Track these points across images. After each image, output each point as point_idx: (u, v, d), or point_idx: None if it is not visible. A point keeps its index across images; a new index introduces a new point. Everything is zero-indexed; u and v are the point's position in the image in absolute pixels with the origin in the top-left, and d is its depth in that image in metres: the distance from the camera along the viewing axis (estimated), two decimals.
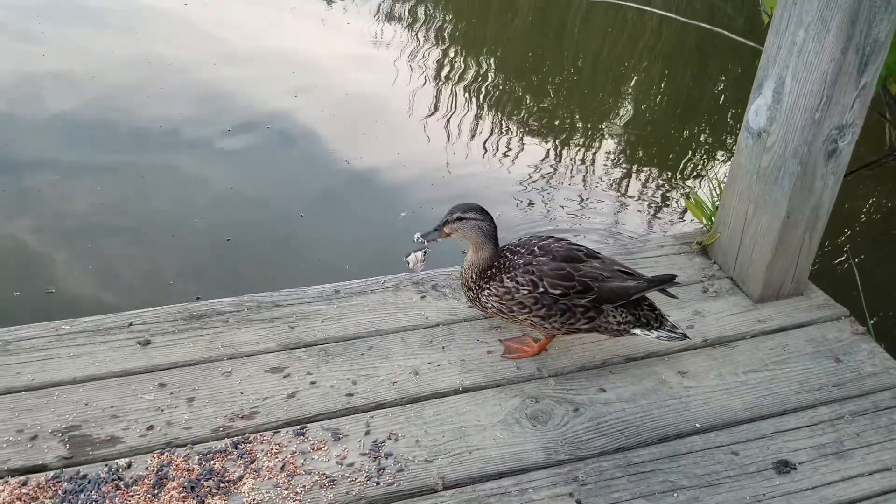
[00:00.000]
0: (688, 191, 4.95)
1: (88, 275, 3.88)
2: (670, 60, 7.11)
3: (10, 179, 4.50)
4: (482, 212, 2.30)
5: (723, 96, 6.60)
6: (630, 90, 6.58)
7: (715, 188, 3.25)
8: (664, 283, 2.34)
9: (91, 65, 5.80)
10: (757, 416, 2.32)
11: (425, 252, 2.44)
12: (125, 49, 6.12)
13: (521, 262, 2.29)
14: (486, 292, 2.33)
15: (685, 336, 2.41)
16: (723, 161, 5.48)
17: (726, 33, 4.32)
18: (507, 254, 2.34)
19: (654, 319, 2.38)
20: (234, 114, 5.34)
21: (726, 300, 2.79)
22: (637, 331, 2.35)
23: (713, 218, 3.04)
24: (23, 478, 1.99)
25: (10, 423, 2.15)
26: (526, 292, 2.26)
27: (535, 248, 2.32)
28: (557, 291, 2.24)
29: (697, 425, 2.27)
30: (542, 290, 2.24)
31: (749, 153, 2.67)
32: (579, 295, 2.25)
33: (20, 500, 1.92)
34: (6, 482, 1.97)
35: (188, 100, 5.48)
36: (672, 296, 2.50)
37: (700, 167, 5.44)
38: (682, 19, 4.38)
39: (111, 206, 4.36)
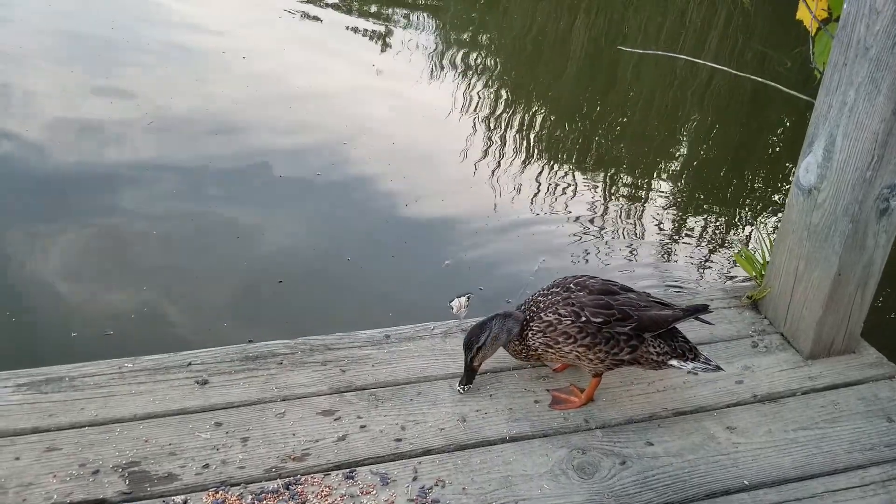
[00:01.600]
0: (738, 244, 4.93)
1: (144, 317, 3.99)
2: (721, 111, 7.13)
3: (69, 220, 4.68)
4: (483, 326, 2.44)
5: (775, 148, 6.59)
6: (681, 140, 6.61)
7: (765, 241, 3.25)
8: (699, 311, 2.41)
9: (142, 109, 6.03)
10: (807, 474, 2.29)
11: (468, 297, 2.52)
12: (178, 92, 6.35)
13: (559, 298, 2.40)
14: (528, 334, 2.42)
15: (719, 368, 2.44)
16: (774, 213, 5.45)
17: (777, 86, 4.34)
18: (539, 297, 2.47)
19: (688, 351, 2.42)
20: (284, 160, 5.49)
21: (776, 356, 2.78)
22: (674, 362, 2.40)
23: (763, 272, 3.04)
24: None
25: (73, 457, 2.24)
26: (569, 322, 2.35)
27: (571, 285, 2.44)
28: (599, 320, 2.33)
29: (745, 482, 2.25)
30: (584, 319, 2.34)
31: (800, 210, 2.68)
32: (620, 323, 2.33)
33: None
34: None
35: (238, 145, 5.65)
36: (707, 322, 2.56)
37: (751, 219, 5.42)
38: (732, 71, 4.41)
39: (165, 249, 4.50)
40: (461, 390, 2.54)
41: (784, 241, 2.79)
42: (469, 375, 2.51)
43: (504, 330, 2.44)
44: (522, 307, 2.52)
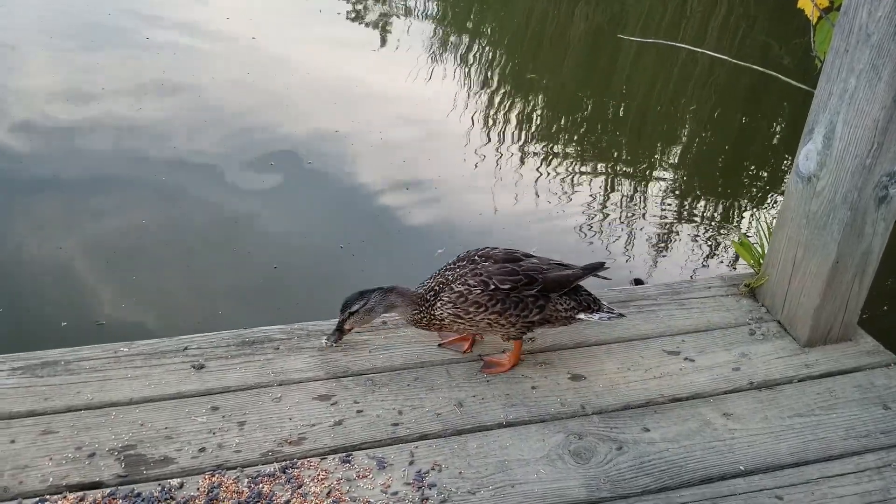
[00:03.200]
0: (737, 233, 4.92)
1: (136, 305, 3.97)
2: (721, 101, 7.11)
3: (60, 203, 4.65)
4: (363, 294, 2.53)
5: (774, 138, 6.58)
6: (681, 130, 6.59)
7: (764, 231, 3.25)
8: (596, 269, 2.55)
9: (136, 94, 5.99)
10: (802, 460, 2.30)
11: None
12: (173, 77, 6.32)
13: (467, 270, 2.49)
14: (437, 304, 2.47)
15: (621, 315, 2.60)
16: (773, 204, 5.45)
17: (778, 75, 4.32)
18: (447, 272, 2.53)
19: (592, 303, 2.57)
20: (277, 147, 5.47)
21: (773, 343, 2.78)
22: (582, 315, 2.54)
23: (762, 261, 3.04)
24: (80, 493, 2.06)
25: (69, 440, 2.24)
26: (479, 291, 2.43)
27: (476, 257, 2.54)
28: (507, 286, 2.43)
29: (741, 468, 2.26)
30: (493, 287, 2.42)
31: (799, 197, 2.67)
32: (527, 287, 2.44)
33: None
34: (65, 497, 2.04)
35: (232, 132, 5.62)
36: (604, 278, 2.63)
37: (750, 209, 5.42)
38: (733, 61, 4.39)
39: (154, 234, 4.48)
40: (325, 342, 2.64)
41: (783, 229, 2.79)
42: (339, 334, 2.60)
43: (382, 304, 2.51)
44: (429, 281, 2.55)
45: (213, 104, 6.01)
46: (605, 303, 2.61)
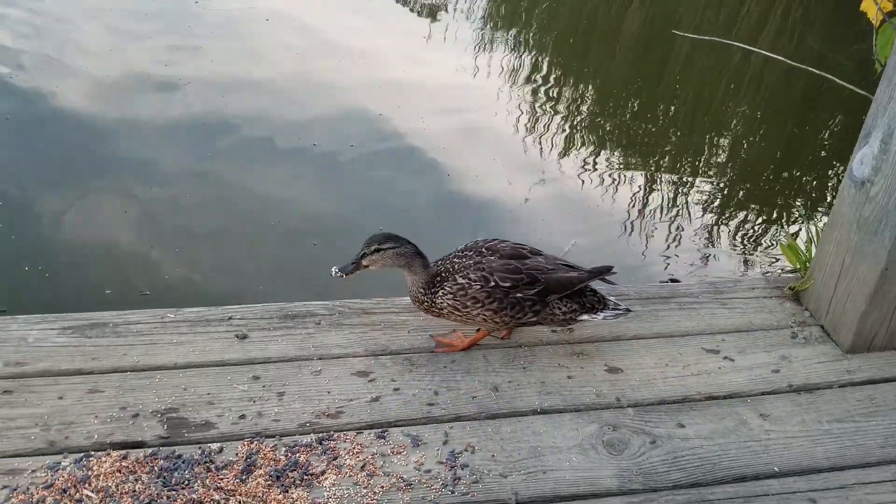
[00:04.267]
0: (784, 236, 4.85)
1: (179, 278, 4.04)
2: (773, 104, 6.99)
3: (103, 180, 4.75)
4: (398, 239, 2.47)
5: (826, 144, 6.45)
6: (731, 130, 6.50)
7: (812, 235, 3.20)
8: (602, 273, 2.51)
9: (183, 71, 6.08)
10: (838, 465, 2.27)
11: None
12: (219, 58, 6.41)
13: (471, 262, 2.47)
14: (440, 293, 2.47)
15: (628, 310, 2.57)
16: (821, 209, 5.35)
17: (834, 78, 4.23)
18: (455, 259, 2.51)
19: (597, 303, 2.55)
20: (320, 129, 5.52)
21: (815, 348, 2.74)
22: (585, 316, 2.53)
23: (808, 264, 3.00)
24: (123, 452, 2.12)
25: (115, 400, 2.30)
26: (479, 287, 2.42)
27: (483, 249, 2.51)
28: (507, 284, 2.41)
29: (776, 469, 2.24)
30: (493, 284, 2.41)
31: (851, 202, 2.63)
32: (527, 287, 2.42)
33: (120, 472, 2.05)
34: (108, 454, 2.11)
35: (275, 111, 5.68)
36: (611, 283, 2.62)
37: (797, 213, 5.33)
38: (789, 62, 4.31)
39: (198, 210, 4.56)
40: (335, 271, 2.48)
41: (832, 233, 2.75)
42: (354, 266, 2.48)
43: (410, 258, 2.46)
44: (442, 262, 2.54)
45: (263, 86, 6.07)
46: (612, 299, 2.60)
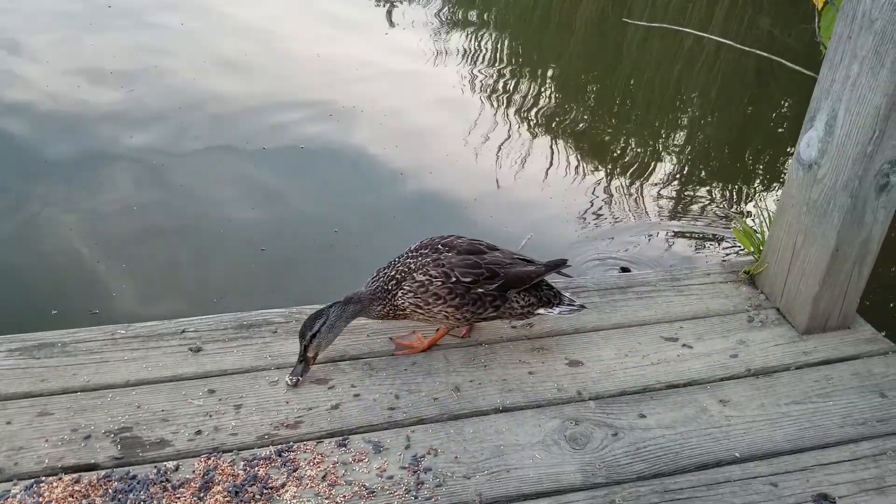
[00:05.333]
0: (738, 220, 4.90)
1: (129, 294, 3.91)
2: (726, 87, 7.06)
3: (41, 194, 4.59)
4: (319, 315, 2.39)
5: (778, 125, 6.54)
6: (685, 116, 6.56)
7: (765, 218, 3.23)
8: (558, 266, 2.54)
9: (128, 75, 5.95)
10: (798, 448, 2.29)
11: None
12: (173, 60, 6.29)
13: (429, 259, 2.46)
14: (399, 293, 2.45)
15: (583, 307, 2.59)
16: (775, 191, 5.42)
17: (783, 61, 4.28)
18: (409, 259, 2.50)
19: (553, 297, 2.56)
20: (272, 129, 5.44)
21: (771, 330, 2.77)
22: (541, 310, 2.54)
23: (762, 248, 3.02)
24: (76, 475, 2.07)
25: (65, 422, 2.24)
26: (440, 283, 2.42)
27: (440, 246, 2.51)
28: (468, 279, 2.42)
29: (737, 455, 2.26)
30: (454, 279, 2.41)
31: (799, 184, 2.66)
32: (488, 281, 2.43)
33: (73, 497, 1.99)
34: (60, 479, 2.05)
35: (225, 114, 5.59)
36: (567, 275, 2.66)
37: (751, 196, 5.39)
38: (739, 46, 4.35)
39: (144, 222, 4.45)
40: (290, 381, 2.40)
41: (783, 217, 2.77)
42: (305, 365, 2.41)
43: (343, 316, 2.42)
44: (387, 270, 2.51)
45: (202, 86, 5.96)
46: (567, 295, 2.62)
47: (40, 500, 1.97)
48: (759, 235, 3.13)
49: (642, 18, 8.14)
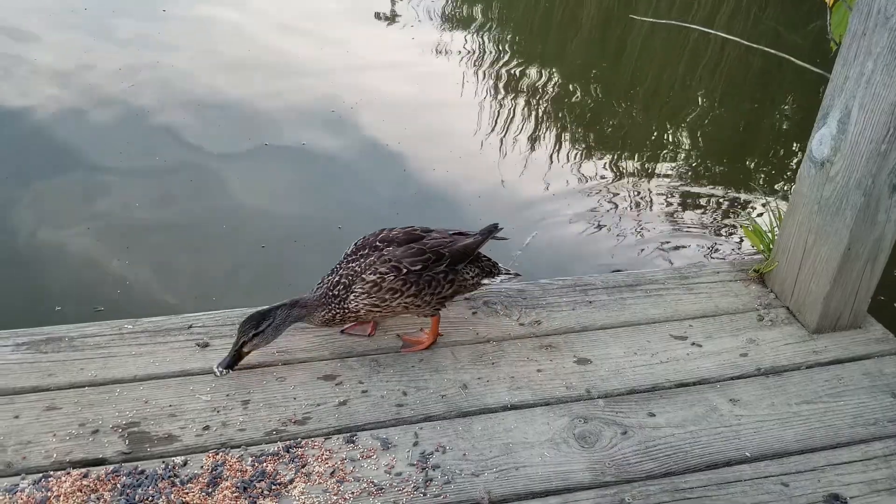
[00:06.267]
0: (747, 218, 4.87)
1: (134, 290, 3.90)
2: (732, 84, 7.03)
3: (46, 188, 4.58)
4: (266, 315, 2.37)
5: (784, 123, 6.51)
6: (690, 113, 6.53)
7: (774, 216, 3.21)
8: (491, 232, 2.60)
9: (131, 71, 5.95)
10: (809, 448, 2.28)
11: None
12: (173, 52, 6.27)
13: (373, 258, 2.45)
14: (350, 298, 2.43)
15: (518, 274, 2.70)
16: (783, 189, 5.39)
17: (791, 58, 4.25)
18: (350, 263, 2.48)
19: (493, 268, 2.65)
20: (272, 124, 5.42)
21: (782, 329, 2.75)
22: (486, 280, 2.63)
23: (771, 246, 3.01)
24: (84, 470, 2.06)
25: (73, 416, 2.23)
26: (392, 277, 2.41)
27: (377, 243, 2.50)
28: (418, 267, 2.43)
29: (747, 454, 2.24)
30: (405, 271, 2.42)
31: (811, 183, 2.64)
32: (436, 264, 2.46)
33: (81, 492, 1.99)
34: (68, 473, 2.04)
35: (226, 111, 5.57)
36: (503, 238, 2.65)
37: (760, 194, 5.36)
38: (746, 43, 4.32)
39: (148, 216, 4.44)
40: (219, 372, 2.40)
41: (794, 215, 2.75)
42: (234, 359, 2.39)
43: (288, 319, 2.40)
44: (331, 277, 2.48)
45: (204, 83, 5.94)
46: (501, 265, 2.69)
47: (49, 494, 1.96)
48: (768, 234, 3.11)
49: (647, 15, 8.10)
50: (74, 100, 5.52)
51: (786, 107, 6.72)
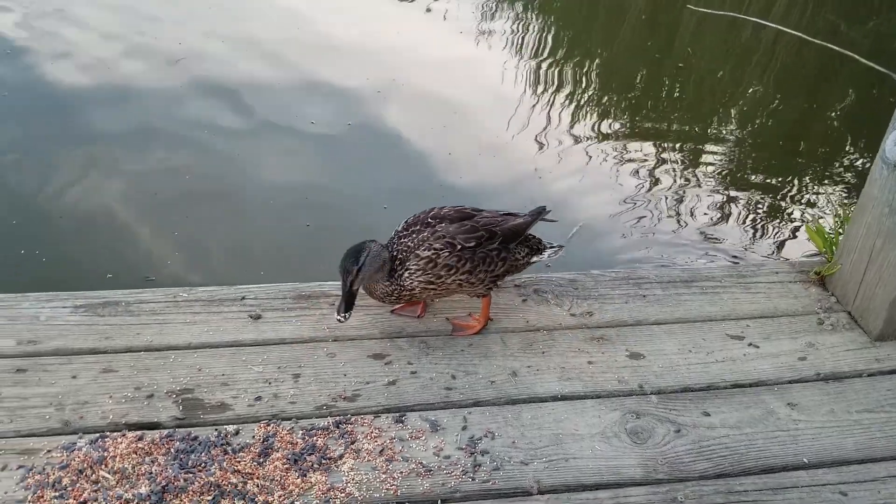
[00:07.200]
0: (810, 217, 4.73)
1: (182, 261, 3.94)
2: (785, 80, 6.83)
3: (96, 160, 4.64)
4: (361, 248, 2.33)
5: (840, 121, 6.32)
6: (740, 107, 6.37)
7: (837, 217, 3.13)
8: (541, 214, 2.61)
9: (183, 45, 5.98)
10: (869, 457, 2.22)
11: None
12: (221, 32, 6.29)
13: (426, 234, 2.43)
14: (405, 274, 2.40)
15: (561, 246, 2.69)
16: (840, 189, 5.22)
17: (855, 56, 4.12)
18: (403, 239, 2.46)
19: (539, 244, 2.64)
20: (320, 105, 5.41)
21: (843, 335, 2.68)
22: (534, 258, 2.62)
23: (834, 247, 2.93)
24: (139, 433, 2.08)
25: (129, 379, 2.26)
26: (447, 254, 2.39)
27: (429, 220, 2.49)
28: (472, 244, 2.42)
29: (805, 460, 2.19)
30: (460, 247, 2.40)
31: (882, 185, 2.56)
32: (488, 242, 2.45)
33: (136, 454, 2.01)
34: (124, 435, 2.07)
35: (271, 90, 5.58)
36: (551, 220, 2.67)
37: (810, 194, 5.21)
38: (804, 36, 4.20)
39: (196, 189, 4.47)
40: (341, 318, 2.34)
41: (862, 217, 2.67)
42: (349, 301, 2.34)
43: (380, 256, 2.36)
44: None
45: (256, 61, 5.96)
46: (545, 241, 2.68)
47: (105, 454, 1.99)
48: (831, 235, 3.03)
49: (701, 4, 7.91)
50: (128, 71, 5.59)
51: (842, 104, 6.52)
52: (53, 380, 2.23)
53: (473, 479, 2.05)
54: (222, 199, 4.42)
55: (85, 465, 1.96)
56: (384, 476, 2.03)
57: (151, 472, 1.96)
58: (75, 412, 2.13)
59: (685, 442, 2.22)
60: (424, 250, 2.40)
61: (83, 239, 4.06)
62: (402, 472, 2.05)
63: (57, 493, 1.90)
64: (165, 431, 2.09)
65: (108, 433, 2.07)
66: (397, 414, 2.24)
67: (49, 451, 2.01)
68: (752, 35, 7.37)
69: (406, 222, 2.53)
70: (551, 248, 2.66)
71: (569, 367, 2.47)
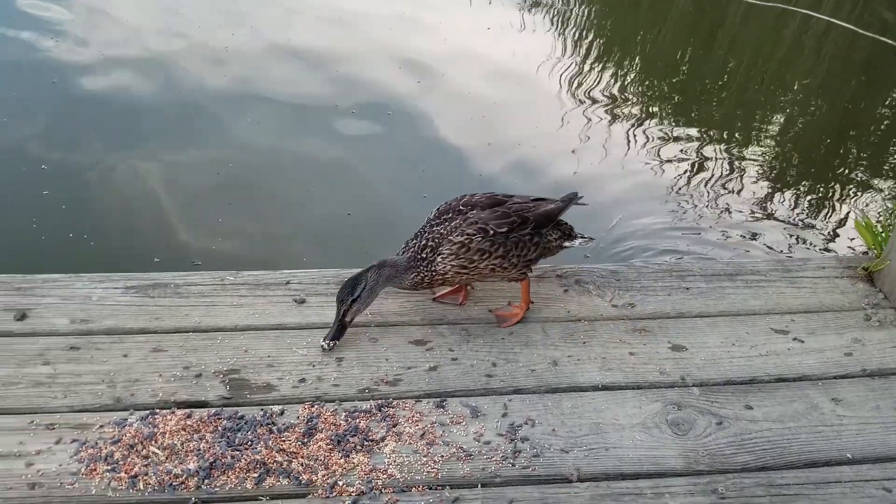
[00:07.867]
0: (860, 213, 4.64)
1: (226, 248, 4.02)
2: (833, 74, 6.70)
3: (142, 150, 4.74)
4: (358, 280, 2.37)
5: (889, 115, 6.17)
6: (785, 99, 6.26)
7: (888, 213, 3.07)
8: (573, 199, 2.65)
9: (225, 42, 6.07)
10: None
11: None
12: (259, 27, 6.35)
13: (458, 221, 2.47)
14: (437, 260, 2.44)
15: (592, 238, 2.74)
16: (890, 185, 5.11)
17: None
18: (435, 227, 2.49)
19: (570, 230, 2.69)
20: (361, 96, 5.45)
21: (890, 331, 2.64)
22: (566, 243, 2.66)
23: (884, 243, 2.88)
24: (187, 410, 2.14)
25: (178, 359, 2.32)
26: (480, 238, 2.43)
27: (461, 207, 2.53)
28: (504, 229, 2.45)
29: (848, 455, 2.17)
30: (492, 232, 2.44)
31: None
32: (521, 227, 2.49)
33: (185, 431, 2.07)
34: (173, 412, 2.13)
35: (313, 80, 5.63)
36: (583, 204, 2.68)
37: (859, 188, 5.11)
38: (854, 28, 4.11)
39: (235, 179, 4.54)
40: (326, 346, 2.38)
41: None
42: (339, 330, 2.39)
43: (380, 281, 2.40)
44: (416, 241, 2.49)
45: (301, 53, 6.01)
46: (576, 230, 2.73)
47: (155, 430, 2.05)
48: (880, 231, 2.98)
49: None
50: (174, 61, 5.68)
51: (892, 98, 6.36)
52: (105, 358, 2.30)
53: (513, 465, 2.07)
54: (265, 189, 4.50)
55: (136, 440, 2.02)
56: (425, 459, 2.06)
57: (200, 449, 2.01)
58: (126, 389, 2.20)
59: (727, 434, 2.21)
60: (458, 236, 2.44)
61: (130, 225, 4.17)
62: (442, 456, 2.07)
63: (109, 467, 1.96)
64: (213, 410, 2.15)
65: (157, 410, 2.13)
66: (438, 399, 2.26)
67: (101, 426, 2.08)
68: (801, 27, 7.22)
69: (438, 210, 2.57)
70: (581, 237, 2.71)
71: (610, 358, 2.47)
